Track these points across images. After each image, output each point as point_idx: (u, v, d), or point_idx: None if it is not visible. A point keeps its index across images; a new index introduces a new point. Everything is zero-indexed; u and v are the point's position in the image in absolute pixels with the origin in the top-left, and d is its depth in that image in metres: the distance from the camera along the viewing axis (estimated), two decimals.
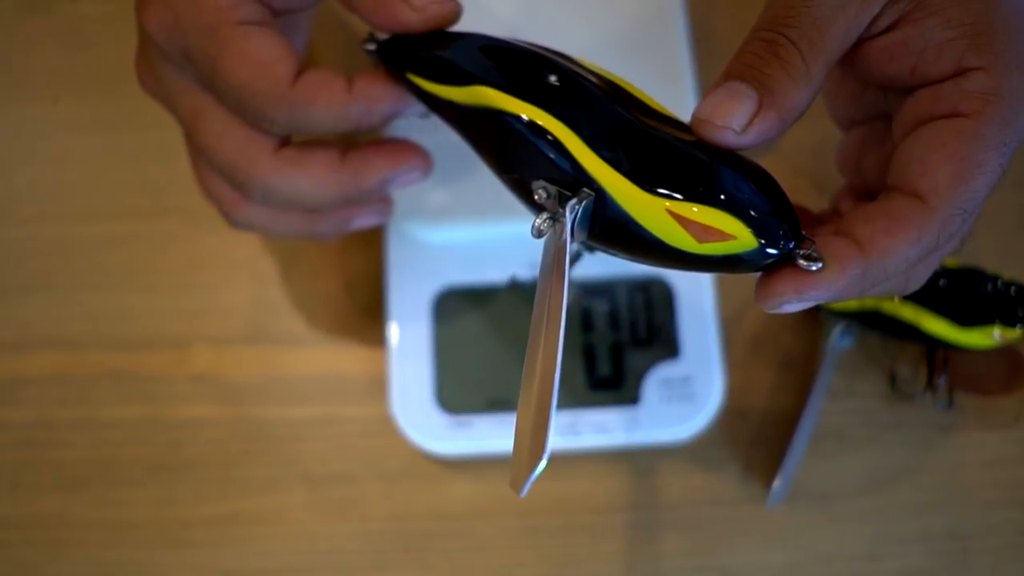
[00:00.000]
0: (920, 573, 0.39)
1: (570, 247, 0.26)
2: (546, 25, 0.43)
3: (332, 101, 0.31)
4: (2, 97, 0.47)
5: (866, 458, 0.41)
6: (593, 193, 0.26)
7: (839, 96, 0.32)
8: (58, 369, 0.43)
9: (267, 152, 0.32)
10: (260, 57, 0.30)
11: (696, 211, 0.24)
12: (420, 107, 0.32)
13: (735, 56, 0.26)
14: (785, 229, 0.24)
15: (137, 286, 0.44)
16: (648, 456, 0.41)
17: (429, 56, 0.30)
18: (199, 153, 0.33)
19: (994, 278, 0.38)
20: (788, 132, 0.26)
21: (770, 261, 0.25)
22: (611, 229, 0.26)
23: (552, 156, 0.26)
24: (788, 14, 0.25)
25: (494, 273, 0.41)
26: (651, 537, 0.40)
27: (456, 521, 0.40)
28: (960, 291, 0.38)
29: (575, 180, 0.26)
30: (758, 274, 0.26)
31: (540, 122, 0.27)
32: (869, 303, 0.39)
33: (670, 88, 0.41)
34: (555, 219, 0.26)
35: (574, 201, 0.26)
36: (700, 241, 0.24)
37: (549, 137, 0.26)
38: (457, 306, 0.41)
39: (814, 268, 0.24)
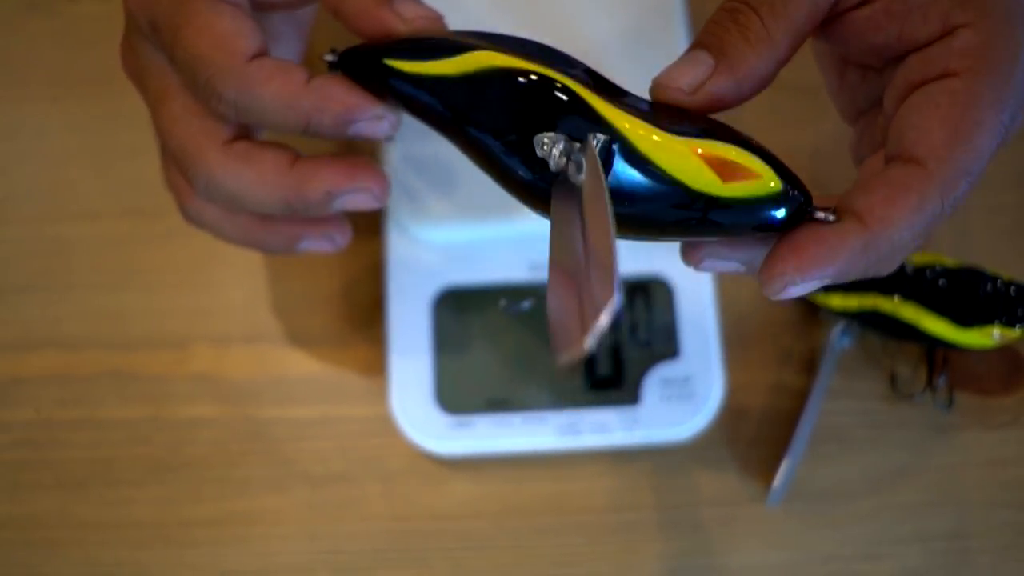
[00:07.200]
0: (920, 573, 0.39)
1: (606, 178, 0.25)
2: (546, 23, 0.42)
3: (285, 89, 0.29)
4: (2, 97, 0.47)
5: (866, 458, 0.41)
6: (606, 136, 0.25)
7: (842, 89, 0.32)
8: (58, 369, 0.43)
9: (217, 142, 0.31)
10: (222, 30, 0.29)
11: (724, 149, 0.25)
12: (382, 122, 0.31)
13: (702, 28, 0.27)
14: (798, 183, 0.25)
15: (137, 286, 0.44)
16: (648, 456, 0.41)
17: (412, 38, 0.29)
18: (159, 138, 0.33)
19: (994, 278, 0.38)
20: (790, 133, 0.26)
21: (787, 214, 0.25)
22: (622, 182, 0.25)
23: (564, 109, 0.25)
24: None
25: (494, 273, 0.41)
26: (651, 537, 0.40)
27: (456, 521, 0.40)
28: (960, 291, 0.38)
29: (588, 131, 0.25)
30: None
31: (551, 75, 0.26)
32: (868, 303, 0.39)
33: None
34: (570, 155, 0.25)
35: (590, 136, 0.25)
36: (725, 180, 0.24)
37: (560, 89, 0.26)
38: (457, 306, 0.41)
39: (831, 218, 0.24)
